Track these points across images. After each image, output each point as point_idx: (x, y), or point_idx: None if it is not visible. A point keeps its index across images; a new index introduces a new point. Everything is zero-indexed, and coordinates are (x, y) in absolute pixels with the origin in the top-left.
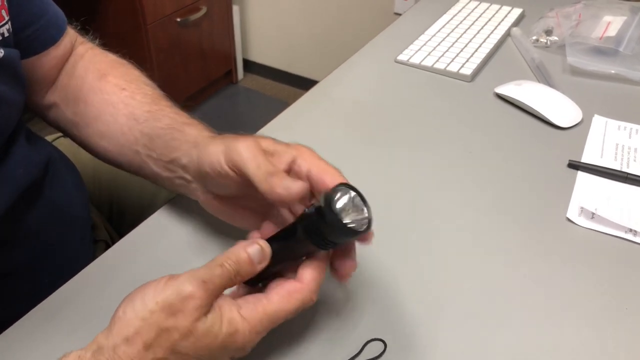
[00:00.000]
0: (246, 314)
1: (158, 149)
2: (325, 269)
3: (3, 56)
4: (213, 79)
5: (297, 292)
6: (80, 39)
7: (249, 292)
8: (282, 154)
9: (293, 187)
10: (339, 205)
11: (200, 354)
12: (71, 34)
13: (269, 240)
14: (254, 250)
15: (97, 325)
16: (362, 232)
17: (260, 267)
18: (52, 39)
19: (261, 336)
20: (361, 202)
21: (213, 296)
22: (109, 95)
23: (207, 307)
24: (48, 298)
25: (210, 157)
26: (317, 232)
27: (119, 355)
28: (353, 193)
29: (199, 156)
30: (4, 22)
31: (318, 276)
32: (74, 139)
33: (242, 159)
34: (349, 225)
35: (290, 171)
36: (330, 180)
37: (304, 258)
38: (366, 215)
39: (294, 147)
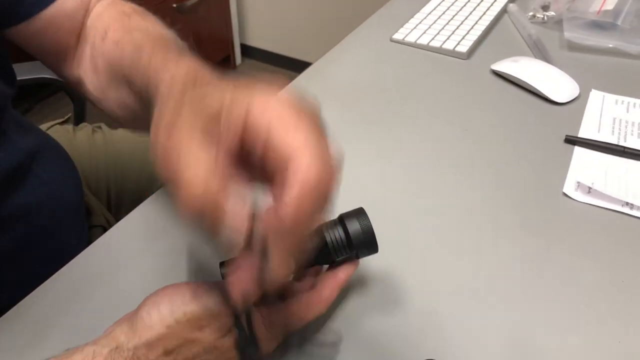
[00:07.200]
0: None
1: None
2: (344, 283)
3: None
4: (211, 65)
5: (316, 305)
6: None
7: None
8: (232, 111)
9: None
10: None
11: None
12: None
13: None
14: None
15: (96, 313)
16: (374, 250)
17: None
18: None
19: (278, 342)
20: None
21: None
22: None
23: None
24: (43, 284)
25: None
26: (340, 242)
27: (137, 356)
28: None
29: None
30: None
31: (337, 290)
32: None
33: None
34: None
35: (246, 130)
36: (294, 146)
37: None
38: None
39: (247, 95)
